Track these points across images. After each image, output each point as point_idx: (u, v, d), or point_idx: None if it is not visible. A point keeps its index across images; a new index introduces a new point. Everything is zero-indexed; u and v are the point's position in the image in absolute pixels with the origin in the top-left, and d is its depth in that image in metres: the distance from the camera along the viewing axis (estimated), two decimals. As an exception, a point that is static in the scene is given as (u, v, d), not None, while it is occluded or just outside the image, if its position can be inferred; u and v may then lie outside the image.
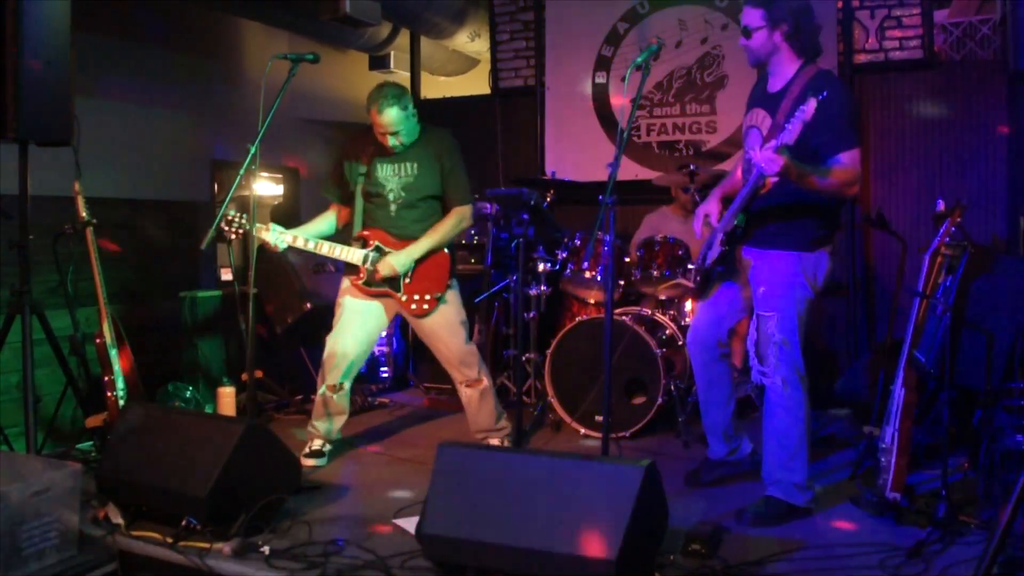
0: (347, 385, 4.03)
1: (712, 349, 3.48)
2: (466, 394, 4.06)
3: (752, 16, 3.12)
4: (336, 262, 5.26)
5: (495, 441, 4.10)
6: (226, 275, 5.70)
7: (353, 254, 3.90)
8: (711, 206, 3.39)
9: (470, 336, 4.13)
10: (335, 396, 4.00)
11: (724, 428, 3.60)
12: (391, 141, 3.82)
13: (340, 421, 4.11)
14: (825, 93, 2.86)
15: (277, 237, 3.78)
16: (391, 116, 3.74)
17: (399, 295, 3.92)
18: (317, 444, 4.08)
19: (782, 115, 3.07)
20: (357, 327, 3.96)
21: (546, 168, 5.87)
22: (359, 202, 3.96)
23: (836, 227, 3.31)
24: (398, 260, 3.85)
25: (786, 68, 3.17)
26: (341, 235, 4.10)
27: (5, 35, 3.51)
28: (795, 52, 3.14)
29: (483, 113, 6.20)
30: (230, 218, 3.73)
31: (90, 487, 3.23)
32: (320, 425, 4.07)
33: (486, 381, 4.05)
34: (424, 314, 3.92)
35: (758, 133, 3.21)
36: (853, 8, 5.19)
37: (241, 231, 3.75)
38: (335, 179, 4.07)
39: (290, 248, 3.88)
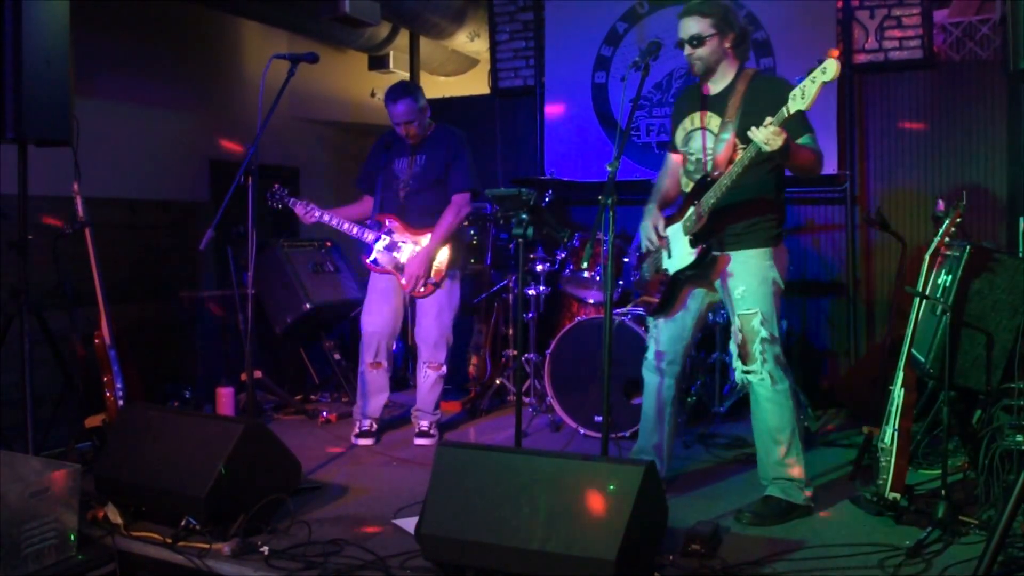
0: (385, 363, 4.43)
1: (673, 364, 3.47)
2: (425, 372, 4.44)
3: (702, 24, 3.21)
4: (335, 262, 5.36)
5: (425, 423, 4.46)
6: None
7: (367, 235, 4.37)
8: (654, 218, 3.40)
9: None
10: (375, 373, 4.42)
11: (669, 449, 3.57)
12: (405, 131, 4.31)
13: (382, 398, 4.50)
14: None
15: (307, 211, 4.30)
16: (404, 108, 4.26)
17: (401, 276, 4.35)
18: (366, 424, 4.45)
19: (733, 110, 3.20)
20: (381, 305, 4.41)
21: (545, 168, 5.87)
22: (379, 191, 4.46)
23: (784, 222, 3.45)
24: (417, 265, 4.29)
25: (728, 72, 3.30)
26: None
27: (4, 35, 3.51)
28: (736, 58, 3.30)
29: (482, 113, 6.20)
30: (273, 190, 4.34)
31: (89, 487, 3.22)
32: (364, 404, 4.46)
33: (445, 370, 4.46)
34: (421, 296, 4.37)
35: (707, 133, 3.30)
36: (853, 8, 5.18)
37: (280, 203, 4.35)
38: (364, 172, 4.58)
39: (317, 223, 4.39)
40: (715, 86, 3.32)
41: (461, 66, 7.40)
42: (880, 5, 5.14)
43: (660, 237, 3.39)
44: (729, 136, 3.19)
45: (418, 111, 4.29)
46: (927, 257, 3.35)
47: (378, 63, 6.79)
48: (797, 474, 3.25)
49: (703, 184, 3.24)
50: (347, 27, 5.60)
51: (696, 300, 3.44)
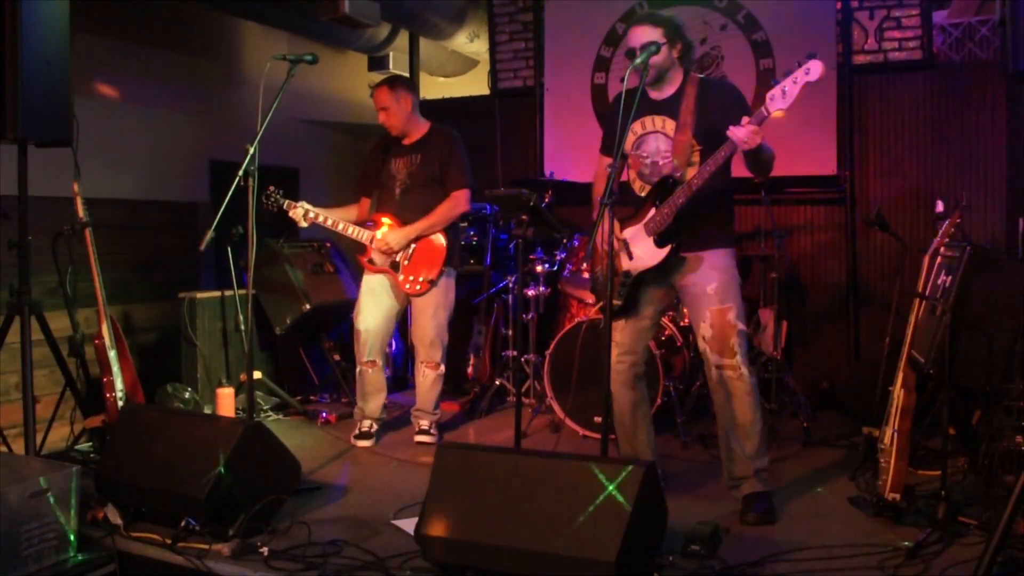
0: (379, 362, 4.43)
1: (636, 365, 3.50)
2: (423, 372, 4.43)
3: (654, 34, 3.29)
4: (335, 263, 5.35)
5: (425, 423, 4.45)
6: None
7: (362, 234, 4.37)
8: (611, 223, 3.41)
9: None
10: (371, 372, 4.41)
11: (654, 447, 3.59)
12: (384, 120, 4.37)
13: (380, 399, 4.48)
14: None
15: (303, 214, 4.31)
16: (380, 94, 4.35)
17: (396, 274, 4.35)
18: (365, 425, 4.46)
19: (688, 113, 3.28)
20: (373, 304, 4.40)
21: (545, 169, 5.86)
22: (376, 192, 4.51)
23: None
24: (393, 237, 4.31)
25: (675, 80, 3.40)
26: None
27: (4, 35, 3.51)
28: (682, 66, 3.40)
29: (482, 114, 6.20)
30: (268, 192, 4.33)
31: (89, 488, 3.22)
32: (364, 405, 4.46)
33: (443, 370, 4.46)
34: (417, 294, 4.35)
35: (662, 136, 3.37)
36: (852, 9, 5.19)
37: (276, 206, 4.34)
38: (362, 174, 4.64)
39: (313, 225, 4.42)
40: (663, 92, 3.40)
41: (461, 67, 7.40)
42: (879, 6, 5.14)
43: (618, 240, 3.41)
44: (686, 138, 3.28)
45: (394, 100, 4.31)
46: (927, 258, 3.35)
47: (378, 64, 6.79)
48: (767, 463, 3.37)
49: (665, 185, 3.29)
50: (347, 28, 5.60)
51: (656, 301, 3.48)
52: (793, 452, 4.21)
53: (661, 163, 3.36)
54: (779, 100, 2.97)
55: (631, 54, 3.28)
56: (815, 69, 2.92)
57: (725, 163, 3.22)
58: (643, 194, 3.41)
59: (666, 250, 3.29)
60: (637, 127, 3.44)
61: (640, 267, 3.37)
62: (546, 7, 5.94)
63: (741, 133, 3.00)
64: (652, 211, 3.31)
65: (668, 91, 3.39)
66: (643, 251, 3.35)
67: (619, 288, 3.42)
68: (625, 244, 3.39)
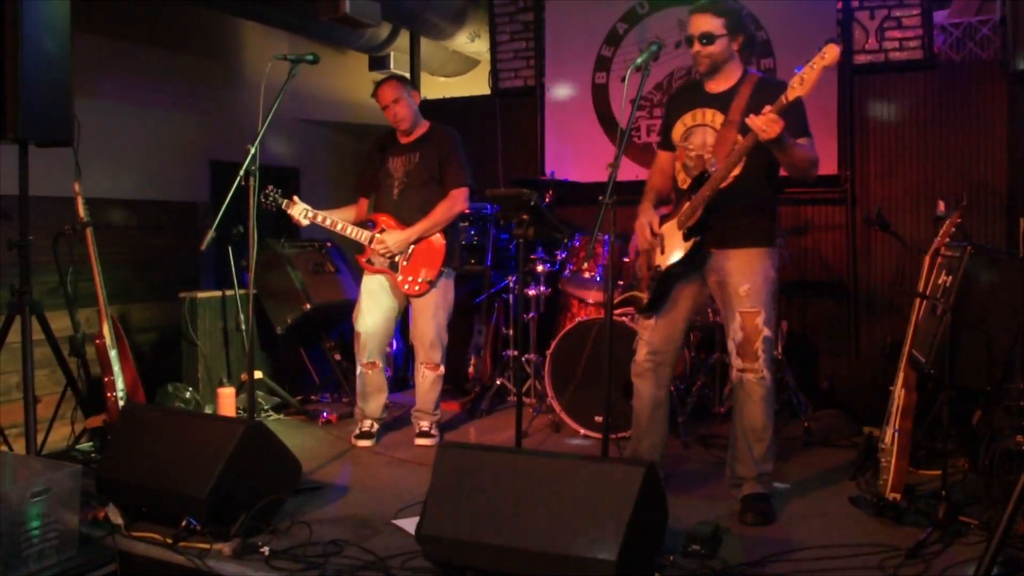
0: (380, 363, 4.43)
1: (663, 366, 3.47)
2: (423, 373, 4.42)
3: (714, 23, 3.24)
4: (335, 262, 5.36)
5: (425, 424, 4.45)
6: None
7: (361, 234, 4.35)
8: (650, 215, 3.41)
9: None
10: (371, 373, 4.41)
11: (664, 449, 3.59)
12: (394, 115, 4.34)
13: (381, 399, 4.47)
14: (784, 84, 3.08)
15: (302, 212, 4.31)
16: (389, 88, 4.34)
17: (395, 275, 4.34)
18: (366, 425, 4.46)
19: (738, 110, 3.21)
20: (372, 306, 4.40)
21: (546, 168, 5.86)
22: (374, 193, 4.51)
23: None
24: (392, 240, 4.30)
25: (732, 73, 3.34)
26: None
27: (5, 35, 3.51)
28: (741, 60, 3.35)
29: (483, 114, 6.20)
30: (266, 191, 4.31)
31: (90, 488, 3.22)
32: (364, 405, 4.46)
33: (443, 370, 4.45)
34: (416, 295, 4.34)
35: (710, 130, 3.34)
36: (853, 8, 5.18)
37: (275, 206, 4.34)
38: (361, 174, 4.64)
39: (312, 225, 4.42)
40: (718, 85, 3.36)
41: (462, 67, 7.40)
42: (880, 6, 5.13)
43: (654, 235, 3.40)
44: (731, 135, 3.22)
45: (404, 93, 4.32)
46: (927, 257, 3.35)
47: (378, 64, 6.79)
48: (771, 467, 3.38)
49: (701, 179, 3.26)
50: (347, 28, 5.60)
51: (688, 298, 3.44)
52: (793, 452, 4.21)
53: (706, 157, 3.32)
54: (797, 87, 2.95)
55: (689, 41, 3.27)
56: (830, 53, 2.89)
57: (767, 161, 3.19)
58: (684, 187, 3.38)
59: (690, 243, 3.27)
60: (688, 119, 3.41)
61: (668, 261, 3.35)
62: (547, 7, 5.94)
63: (759, 121, 2.95)
64: (687, 204, 3.31)
65: (724, 85, 3.34)
66: (672, 245, 3.34)
67: (648, 283, 3.41)
68: (661, 239, 3.38)
